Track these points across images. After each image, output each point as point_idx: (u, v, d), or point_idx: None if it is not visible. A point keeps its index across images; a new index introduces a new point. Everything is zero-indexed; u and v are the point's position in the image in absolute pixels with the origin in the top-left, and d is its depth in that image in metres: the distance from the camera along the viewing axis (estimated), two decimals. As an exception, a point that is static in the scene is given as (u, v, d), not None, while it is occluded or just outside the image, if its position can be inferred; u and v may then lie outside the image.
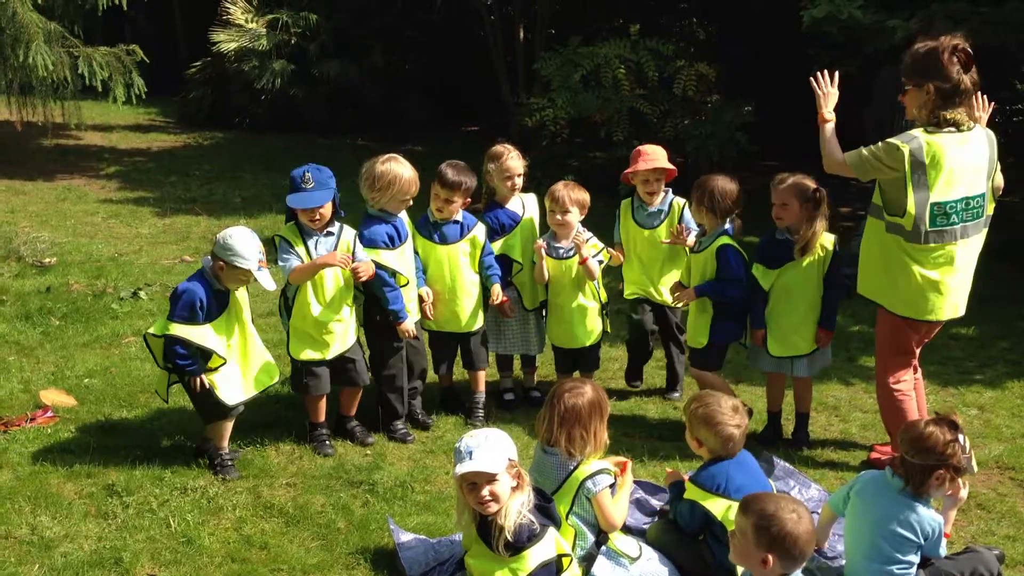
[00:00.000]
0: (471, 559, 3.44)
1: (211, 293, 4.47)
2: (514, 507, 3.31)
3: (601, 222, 5.78)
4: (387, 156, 5.00)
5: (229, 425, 4.68)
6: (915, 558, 3.56)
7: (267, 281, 4.50)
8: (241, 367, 4.66)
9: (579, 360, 5.57)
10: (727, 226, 5.17)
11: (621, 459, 4.00)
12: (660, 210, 5.58)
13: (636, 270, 5.69)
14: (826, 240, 4.97)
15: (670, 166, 5.52)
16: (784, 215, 4.98)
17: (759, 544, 3.11)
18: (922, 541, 3.54)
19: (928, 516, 3.57)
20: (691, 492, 3.80)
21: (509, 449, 3.40)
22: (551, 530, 3.41)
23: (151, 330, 4.53)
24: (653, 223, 5.59)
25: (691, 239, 5.33)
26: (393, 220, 5.04)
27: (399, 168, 4.94)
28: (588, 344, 5.49)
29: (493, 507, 3.29)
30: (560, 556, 3.40)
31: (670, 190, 5.64)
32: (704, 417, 3.85)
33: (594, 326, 5.47)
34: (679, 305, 5.50)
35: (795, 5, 8.83)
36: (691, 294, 5.15)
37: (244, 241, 4.44)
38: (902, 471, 3.60)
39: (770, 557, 3.10)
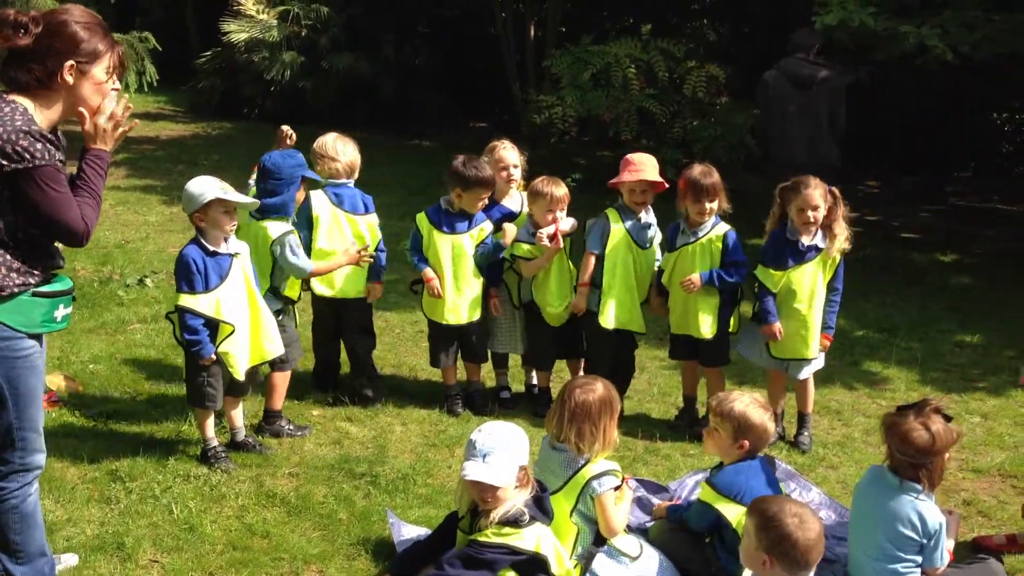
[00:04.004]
0: (460, 531, 3.60)
1: (206, 255, 4.44)
2: (507, 504, 3.43)
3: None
4: None
5: (211, 415, 4.66)
6: (919, 558, 3.53)
7: (241, 197, 4.51)
8: (250, 336, 4.62)
9: (567, 344, 5.54)
10: (716, 216, 5.18)
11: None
12: (650, 223, 5.32)
13: (624, 294, 5.28)
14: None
15: (658, 179, 5.20)
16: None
17: (759, 545, 3.10)
18: (924, 540, 3.49)
19: (931, 513, 3.50)
20: (706, 494, 3.79)
21: (522, 454, 3.48)
22: (537, 528, 3.46)
23: (170, 311, 4.56)
24: (641, 238, 5.28)
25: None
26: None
27: None
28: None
29: (492, 506, 3.43)
30: (535, 555, 3.42)
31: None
32: (734, 409, 3.83)
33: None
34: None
35: (807, 11, 8.82)
36: (697, 280, 5.09)
37: (199, 182, 4.45)
38: (892, 464, 3.57)
39: (768, 559, 3.08)
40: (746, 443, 3.81)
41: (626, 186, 5.25)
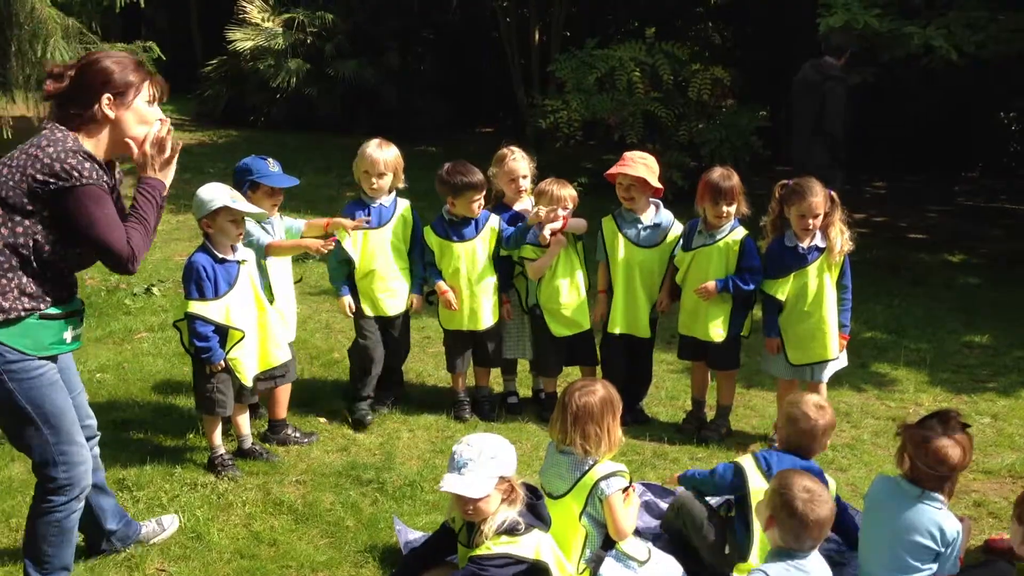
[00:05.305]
0: (460, 544, 3.62)
1: (215, 262, 4.44)
2: (499, 517, 3.42)
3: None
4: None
5: (219, 423, 4.66)
6: (934, 566, 3.51)
7: (249, 206, 4.52)
8: (259, 343, 4.62)
9: (576, 351, 5.53)
10: (735, 219, 5.16)
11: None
12: (658, 223, 5.32)
13: (626, 299, 5.33)
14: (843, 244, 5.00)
15: (639, 174, 5.14)
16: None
17: (768, 503, 3.27)
18: (942, 549, 3.47)
19: (949, 523, 3.48)
20: (743, 459, 3.91)
21: (504, 465, 3.46)
22: (535, 535, 3.45)
23: (178, 319, 4.55)
24: (647, 239, 5.29)
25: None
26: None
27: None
28: (587, 327, 5.44)
29: (474, 518, 3.44)
30: (535, 563, 3.41)
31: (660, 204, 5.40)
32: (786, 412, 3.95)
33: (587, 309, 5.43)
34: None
35: (812, 12, 8.82)
36: (712, 288, 5.07)
37: (210, 188, 4.46)
38: (912, 476, 3.53)
39: (770, 519, 3.24)
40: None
41: (616, 181, 5.30)
